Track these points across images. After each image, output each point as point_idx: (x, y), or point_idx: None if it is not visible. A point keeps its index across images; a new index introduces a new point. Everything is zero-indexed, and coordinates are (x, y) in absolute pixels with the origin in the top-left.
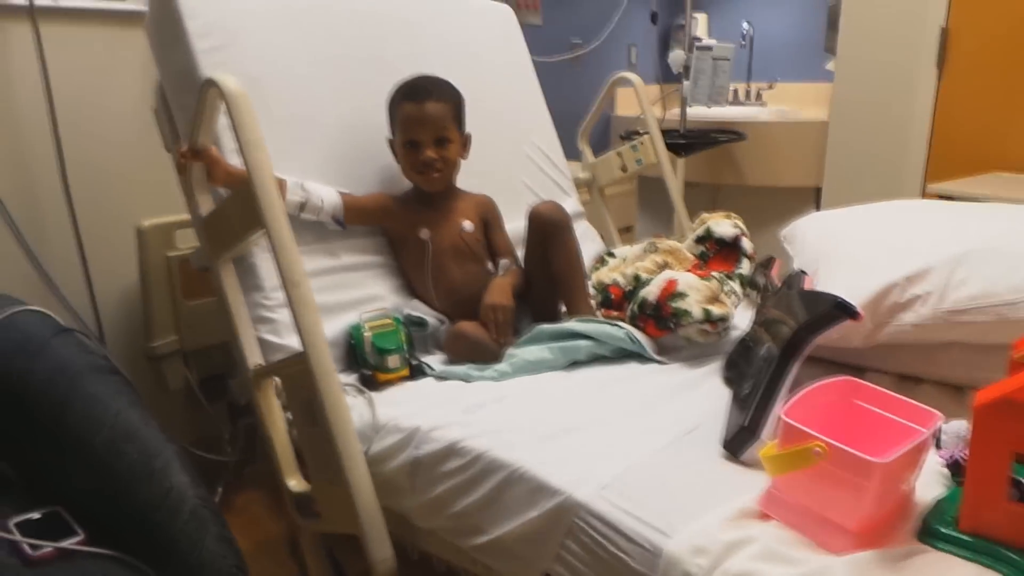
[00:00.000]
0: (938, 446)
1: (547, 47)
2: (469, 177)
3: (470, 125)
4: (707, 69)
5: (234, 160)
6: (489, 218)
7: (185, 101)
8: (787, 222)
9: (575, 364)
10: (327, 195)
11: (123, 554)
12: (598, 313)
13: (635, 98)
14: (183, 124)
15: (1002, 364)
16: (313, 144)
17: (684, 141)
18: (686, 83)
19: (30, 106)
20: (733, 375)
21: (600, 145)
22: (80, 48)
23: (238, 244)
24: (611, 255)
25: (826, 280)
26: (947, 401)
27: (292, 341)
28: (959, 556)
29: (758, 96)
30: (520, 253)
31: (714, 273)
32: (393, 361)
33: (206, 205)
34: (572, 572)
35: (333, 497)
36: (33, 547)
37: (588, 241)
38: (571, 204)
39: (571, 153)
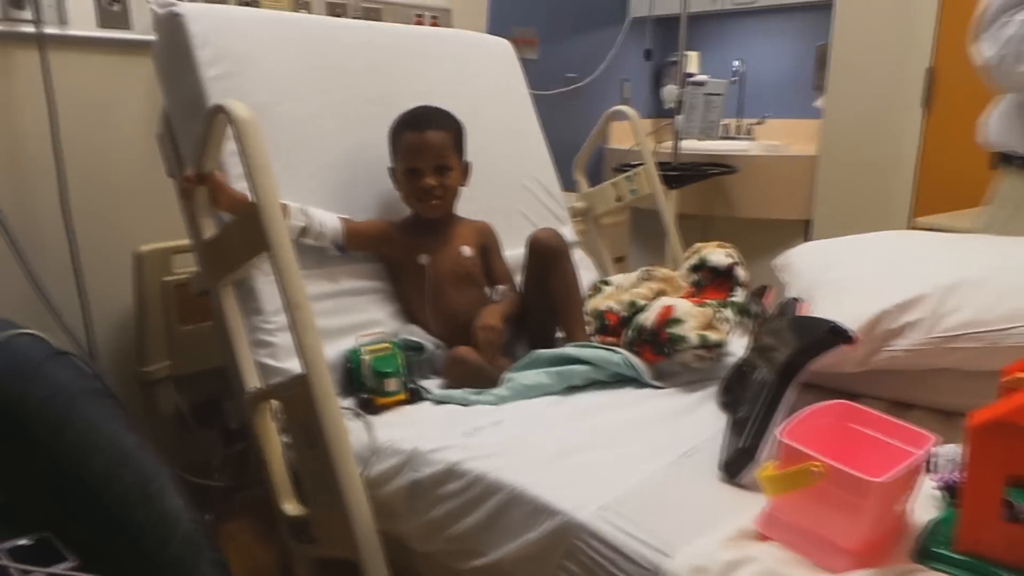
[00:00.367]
0: (931, 469)
1: (543, 81)
2: (469, 204)
3: (471, 155)
4: (699, 104)
5: (238, 185)
6: (488, 244)
7: (191, 127)
8: (777, 253)
9: (572, 389)
10: (328, 220)
11: None
12: (594, 339)
13: (627, 131)
14: (188, 150)
15: (992, 391)
16: (316, 171)
17: (676, 173)
18: (679, 117)
19: (35, 130)
20: (729, 400)
21: (593, 176)
22: (86, 75)
23: (240, 267)
24: (606, 283)
25: (821, 307)
26: (938, 426)
27: (290, 364)
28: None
29: (748, 131)
30: (518, 279)
31: (708, 301)
32: (391, 384)
33: (209, 229)
34: None
35: (330, 521)
36: (24, 573)
37: (583, 269)
38: (567, 233)
39: (566, 183)
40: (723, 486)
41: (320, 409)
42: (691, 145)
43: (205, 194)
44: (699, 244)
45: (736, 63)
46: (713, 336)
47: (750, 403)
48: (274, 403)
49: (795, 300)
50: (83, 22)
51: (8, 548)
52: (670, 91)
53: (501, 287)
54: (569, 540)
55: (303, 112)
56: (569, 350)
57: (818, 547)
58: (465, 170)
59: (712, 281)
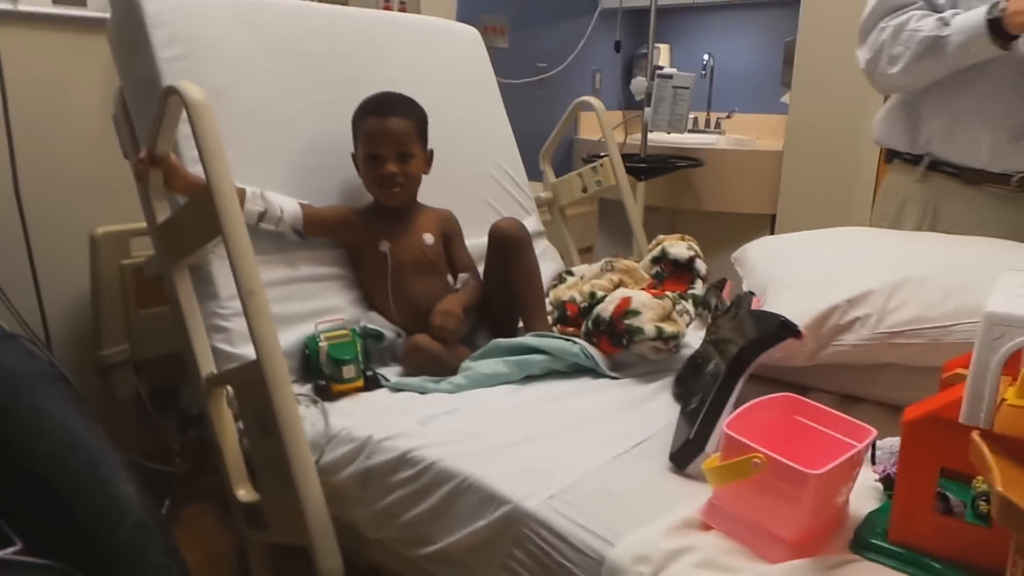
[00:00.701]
0: (874, 461)
1: (513, 70)
2: (433, 193)
3: (436, 144)
4: (667, 97)
5: (194, 169)
6: (450, 232)
7: (146, 109)
8: (742, 246)
9: (530, 378)
10: (287, 205)
11: (63, 565)
12: (554, 329)
13: (598, 122)
14: (143, 132)
15: (935, 386)
16: (276, 156)
17: (644, 165)
18: (647, 109)
19: None
20: (682, 391)
21: (563, 167)
22: (38, 53)
23: (195, 252)
24: (569, 273)
25: (773, 301)
26: (885, 420)
27: (246, 350)
28: (887, 566)
29: (717, 125)
30: (481, 269)
31: (668, 293)
32: (348, 372)
33: (163, 212)
34: None
35: (283, 507)
36: None
37: (547, 260)
38: (532, 222)
39: (534, 173)
40: (672, 477)
41: (273, 395)
42: (660, 138)
43: (159, 177)
44: (662, 236)
45: (705, 57)
46: (669, 328)
47: (701, 395)
48: (229, 389)
49: (749, 294)
50: None
51: None
52: (639, 83)
53: (463, 275)
54: (517, 528)
55: (262, 96)
56: (527, 340)
57: (758, 537)
58: (428, 158)
59: (673, 273)
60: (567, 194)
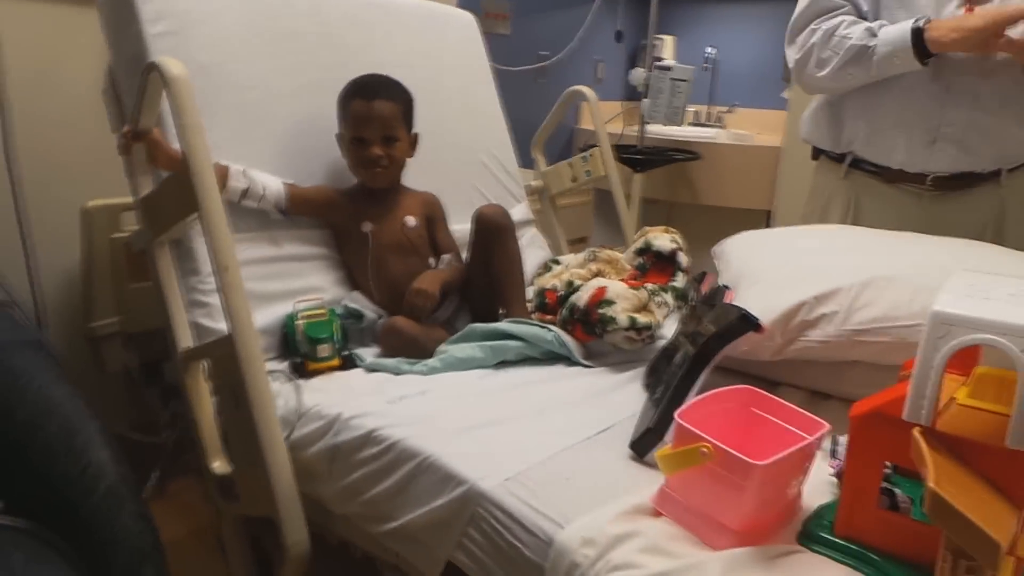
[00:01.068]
0: (835, 456)
1: (514, 57)
2: (421, 177)
3: (425, 128)
4: (665, 89)
5: (177, 145)
6: (433, 215)
7: (134, 84)
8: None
9: (504, 363)
10: (270, 183)
11: (39, 526)
12: (534, 316)
13: (602, 112)
14: (131, 107)
15: None
16: (262, 135)
17: (641, 157)
18: (645, 101)
19: None
20: (651, 381)
21: (562, 156)
22: (33, 26)
23: (173, 226)
24: (556, 262)
25: (744, 295)
26: None
27: (225, 325)
28: (830, 558)
29: (718, 119)
30: (465, 255)
31: (648, 285)
32: (324, 350)
33: (146, 187)
34: (473, 560)
35: (252, 479)
36: None
37: (535, 248)
38: (521, 210)
39: (529, 162)
40: (631, 464)
41: (244, 369)
42: (659, 130)
43: (142, 151)
44: (647, 228)
45: (709, 50)
46: (642, 319)
47: (665, 385)
48: (206, 363)
49: (724, 287)
50: None
51: None
52: (637, 74)
53: (446, 256)
54: (473, 508)
55: (250, 75)
56: (504, 325)
57: (705, 525)
58: (413, 142)
59: (655, 265)
60: (557, 183)
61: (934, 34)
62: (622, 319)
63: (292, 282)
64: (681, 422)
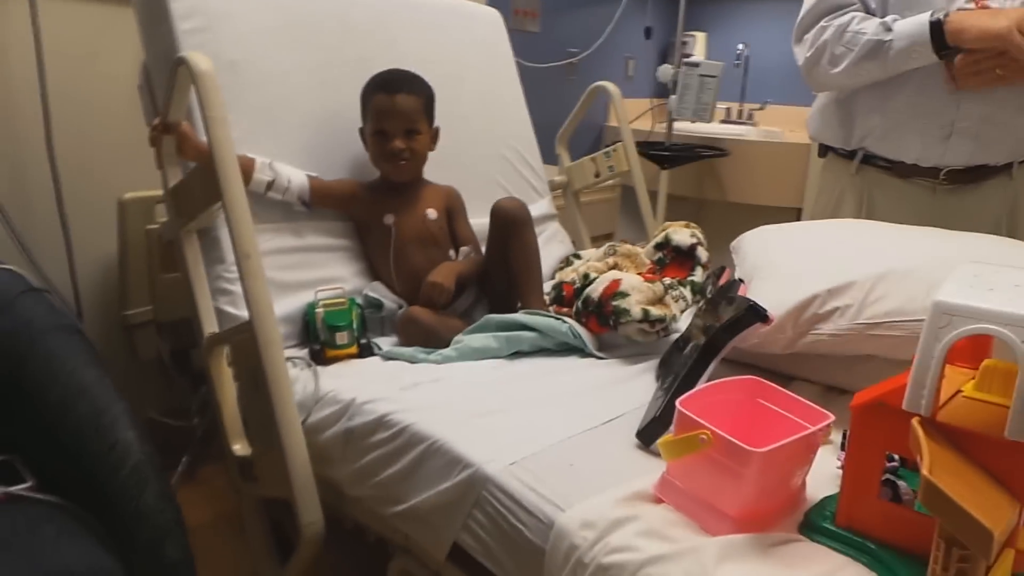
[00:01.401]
0: (843, 449)
1: (544, 54)
2: (445, 171)
3: (448, 123)
4: (693, 85)
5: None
6: (453, 208)
7: (165, 79)
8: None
9: (518, 354)
10: (295, 176)
11: (69, 502)
12: (551, 309)
13: (632, 110)
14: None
15: None
16: (287, 129)
17: (668, 154)
18: (672, 97)
19: (23, 79)
20: (663, 372)
21: (591, 152)
22: (74, 24)
23: (199, 216)
24: (577, 256)
25: (758, 288)
26: None
27: (247, 312)
28: (828, 547)
29: (750, 116)
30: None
31: (665, 279)
32: (342, 338)
33: (175, 178)
34: (478, 541)
35: (270, 461)
36: None
37: (557, 242)
38: (544, 205)
39: (555, 158)
40: (636, 452)
41: (263, 354)
42: (688, 127)
43: (171, 143)
44: (667, 223)
45: (740, 46)
46: (656, 311)
47: (674, 375)
48: (228, 348)
49: (739, 281)
50: None
51: None
52: (665, 71)
53: (465, 248)
54: (478, 491)
55: (277, 71)
56: (518, 316)
57: (705, 511)
58: (434, 135)
59: (674, 259)
60: (580, 179)
61: (953, 27)
62: (635, 311)
63: (314, 272)
64: (681, 409)
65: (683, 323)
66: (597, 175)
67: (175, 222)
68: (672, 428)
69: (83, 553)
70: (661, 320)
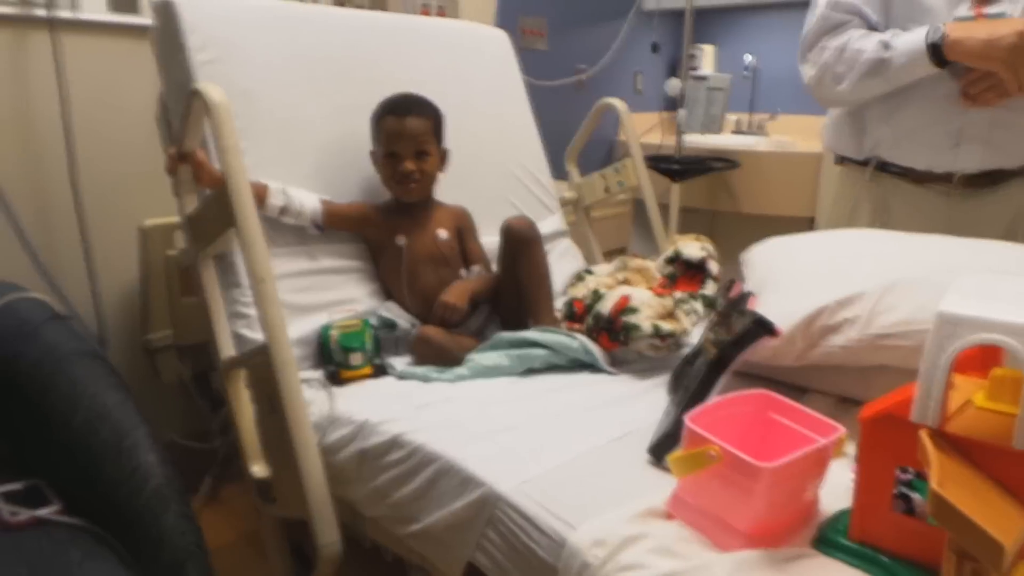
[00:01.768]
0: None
1: (552, 72)
2: (455, 192)
3: (459, 144)
4: (701, 98)
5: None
6: (464, 228)
7: (182, 110)
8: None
9: (531, 371)
10: (308, 200)
11: (94, 525)
12: (562, 325)
13: (639, 123)
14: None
15: None
16: (300, 154)
17: (679, 167)
18: (680, 111)
19: (46, 109)
20: (675, 386)
21: (603, 168)
22: (96, 58)
23: (215, 241)
24: (589, 272)
25: (766, 301)
26: None
27: (263, 335)
28: (841, 561)
29: (760, 127)
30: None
31: (676, 293)
32: (356, 359)
33: (191, 205)
34: (491, 560)
35: (287, 482)
36: (12, 514)
37: (569, 258)
38: (555, 222)
39: (566, 174)
40: (648, 468)
41: (279, 377)
42: (698, 139)
43: (188, 172)
44: (676, 236)
45: (748, 57)
46: (667, 326)
47: (684, 389)
48: (245, 371)
49: (749, 294)
50: (94, 6)
51: (1, 491)
52: (672, 84)
53: (475, 267)
54: (491, 510)
55: (289, 98)
56: (530, 334)
57: (716, 527)
58: (443, 157)
59: (685, 273)
60: (591, 194)
61: (954, 39)
62: (646, 326)
63: (328, 294)
64: (690, 425)
65: (695, 337)
66: (607, 190)
67: (192, 248)
68: (682, 444)
69: None
70: (672, 334)
